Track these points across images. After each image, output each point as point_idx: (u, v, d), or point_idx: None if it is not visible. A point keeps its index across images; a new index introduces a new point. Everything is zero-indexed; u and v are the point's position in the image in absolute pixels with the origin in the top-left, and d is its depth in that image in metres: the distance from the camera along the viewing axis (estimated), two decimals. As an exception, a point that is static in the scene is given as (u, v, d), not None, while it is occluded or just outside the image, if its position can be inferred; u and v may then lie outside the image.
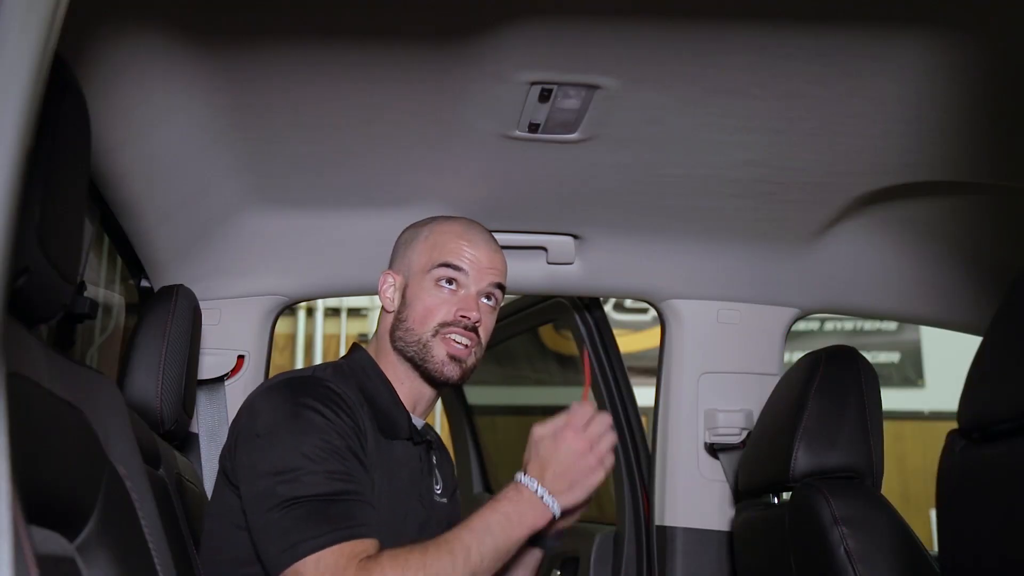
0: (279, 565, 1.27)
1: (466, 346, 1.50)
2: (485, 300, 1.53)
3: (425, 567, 1.25)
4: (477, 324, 1.50)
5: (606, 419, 1.42)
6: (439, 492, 1.60)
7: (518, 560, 1.47)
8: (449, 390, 1.87)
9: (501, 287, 1.56)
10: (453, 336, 1.49)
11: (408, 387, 1.53)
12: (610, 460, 1.40)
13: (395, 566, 1.25)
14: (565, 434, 1.38)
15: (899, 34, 1.30)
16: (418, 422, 1.56)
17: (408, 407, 1.53)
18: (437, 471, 1.61)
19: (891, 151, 1.62)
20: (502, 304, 1.61)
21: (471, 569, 1.28)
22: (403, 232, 1.63)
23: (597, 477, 1.38)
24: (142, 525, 0.99)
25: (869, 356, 1.83)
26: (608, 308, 4.71)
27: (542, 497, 1.35)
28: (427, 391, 1.55)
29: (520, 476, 1.38)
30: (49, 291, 0.85)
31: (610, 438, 1.41)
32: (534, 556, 1.52)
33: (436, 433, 1.71)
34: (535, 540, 1.45)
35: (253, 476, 1.34)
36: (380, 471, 1.42)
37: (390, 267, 1.60)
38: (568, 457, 1.37)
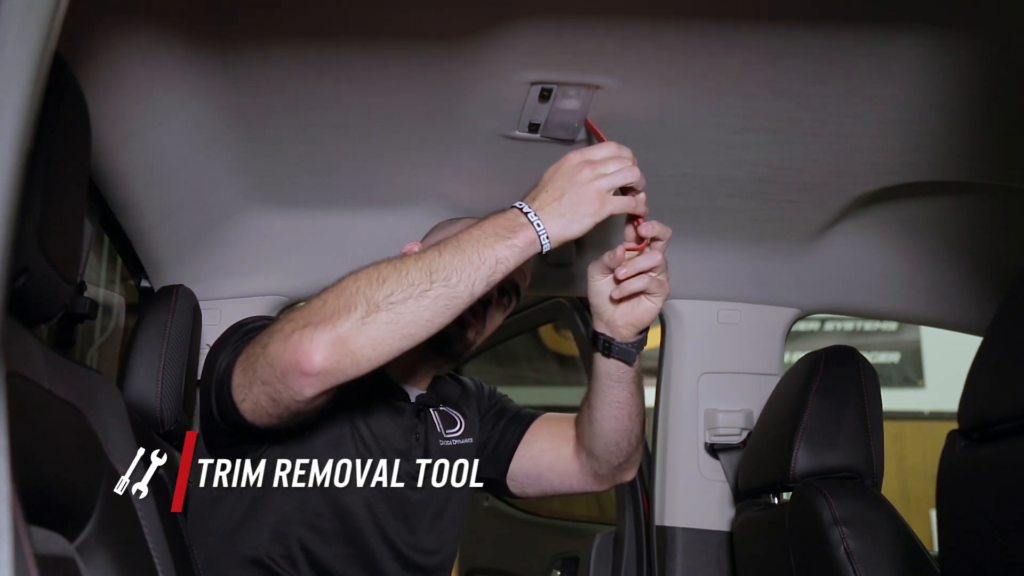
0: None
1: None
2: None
3: (354, 285, 1.23)
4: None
5: (627, 155, 1.30)
6: (455, 433, 1.70)
7: (602, 380, 1.49)
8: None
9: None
10: None
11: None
12: (619, 202, 1.28)
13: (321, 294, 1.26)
14: (571, 158, 1.29)
15: (899, 34, 1.30)
16: (411, 391, 1.66)
17: (398, 376, 1.65)
18: (439, 423, 1.70)
19: (891, 151, 1.61)
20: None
21: (412, 281, 1.21)
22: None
23: (595, 208, 1.26)
24: (142, 525, 0.99)
25: (869, 356, 1.82)
26: (608, 308, 4.69)
27: (528, 214, 1.26)
28: (419, 360, 1.64)
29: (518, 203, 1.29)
30: (49, 291, 0.85)
31: (626, 174, 1.28)
32: (620, 369, 1.47)
33: (460, 390, 1.79)
34: (617, 352, 1.44)
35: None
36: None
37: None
38: (565, 181, 1.27)
